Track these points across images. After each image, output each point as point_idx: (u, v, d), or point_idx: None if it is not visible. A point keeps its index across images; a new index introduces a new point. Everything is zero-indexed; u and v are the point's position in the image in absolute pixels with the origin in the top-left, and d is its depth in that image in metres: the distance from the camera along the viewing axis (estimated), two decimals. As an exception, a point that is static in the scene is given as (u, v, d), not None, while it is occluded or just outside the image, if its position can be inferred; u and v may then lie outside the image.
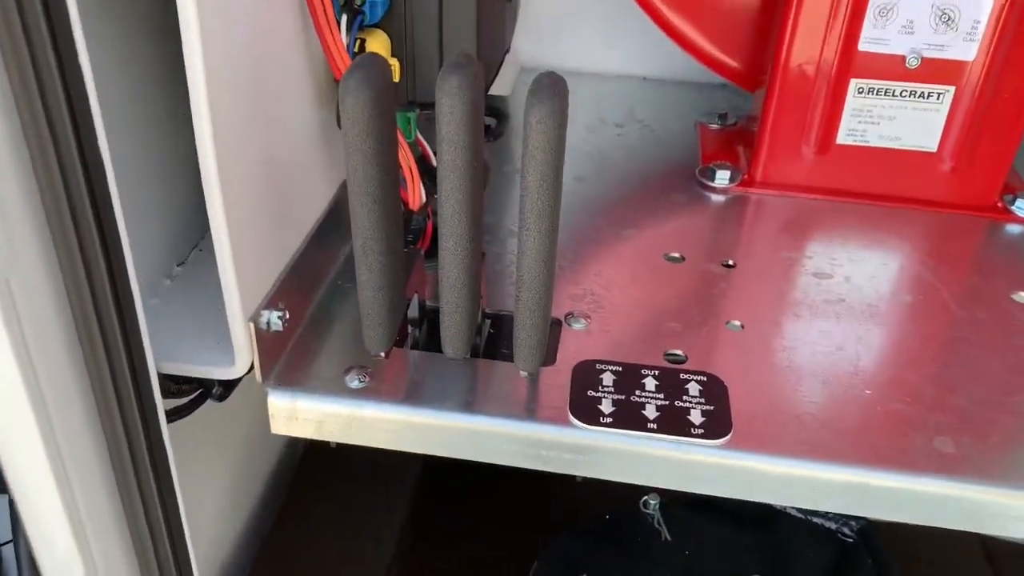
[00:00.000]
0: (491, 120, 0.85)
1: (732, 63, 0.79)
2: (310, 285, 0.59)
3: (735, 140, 0.81)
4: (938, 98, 0.69)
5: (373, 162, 0.42)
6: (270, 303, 0.52)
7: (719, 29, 0.77)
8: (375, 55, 0.43)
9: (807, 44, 0.68)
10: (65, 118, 0.38)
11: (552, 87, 0.40)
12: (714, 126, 0.85)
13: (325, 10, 0.53)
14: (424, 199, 0.61)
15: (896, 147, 0.71)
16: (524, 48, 0.96)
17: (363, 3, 0.55)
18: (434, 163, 0.62)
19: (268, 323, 0.52)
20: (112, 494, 0.48)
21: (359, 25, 0.55)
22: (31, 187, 0.38)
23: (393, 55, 0.59)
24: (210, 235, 0.59)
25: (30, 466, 0.43)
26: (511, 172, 0.77)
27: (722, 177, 0.75)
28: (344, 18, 0.54)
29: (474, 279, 0.49)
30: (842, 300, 0.62)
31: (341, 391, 0.52)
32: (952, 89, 0.68)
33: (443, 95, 0.41)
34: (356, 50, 0.56)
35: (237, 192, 0.47)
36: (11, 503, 0.58)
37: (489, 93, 0.71)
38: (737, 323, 0.59)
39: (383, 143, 0.43)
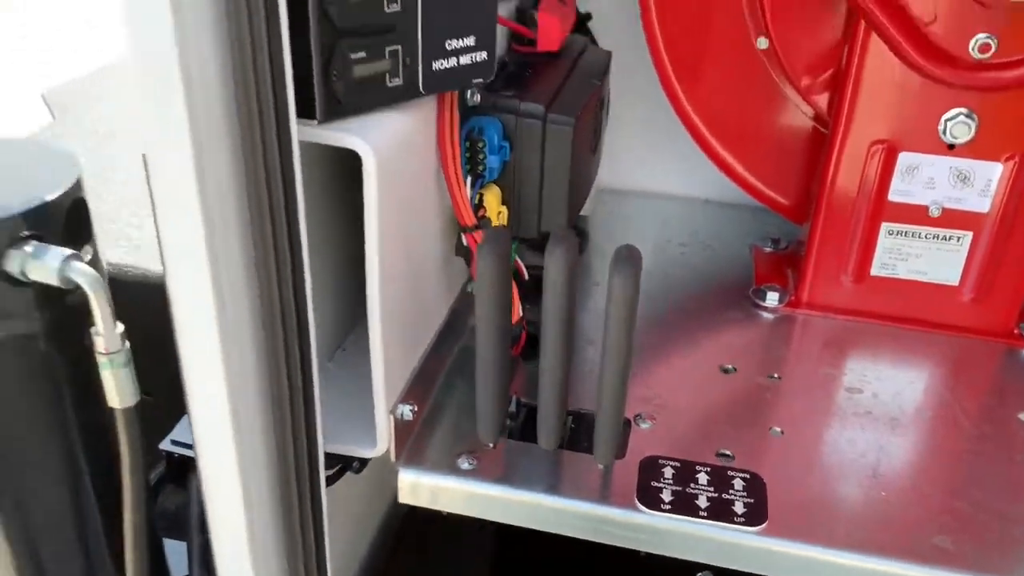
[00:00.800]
0: (574, 238, 0.99)
1: (781, 200, 0.92)
2: (431, 382, 0.74)
3: (785, 263, 0.94)
4: (958, 241, 0.81)
5: (496, 304, 0.57)
6: (404, 398, 0.67)
7: (769, 171, 0.91)
8: (500, 229, 0.58)
9: (845, 193, 0.82)
10: (286, 250, 0.53)
11: (629, 258, 0.55)
12: (767, 249, 0.98)
13: (456, 172, 0.68)
14: (521, 314, 0.76)
15: (922, 280, 0.83)
16: (602, 171, 1.11)
17: (484, 168, 0.71)
18: (526, 277, 0.77)
19: (402, 415, 0.66)
20: (280, 546, 0.62)
21: (480, 184, 0.71)
22: (257, 307, 0.54)
23: (503, 203, 0.74)
24: (350, 338, 0.75)
25: (229, 521, 0.58)
26: (589, 286, 0.92)
27: (772, 298, 0.88)
28: (469, 179, 0.70)
29: (564, 390, 0.63)
30: (869, 413, 0.73)
31: (454, 471, 0.66)
32: (970, 234, 0.81)
33: (550, 262, 0.56)
34: (476, 202, 0.72)
35: (389, 310, 0.62)
36: (188, 549, 0.73)
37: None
38: (778, 429, 0.71)
39: (503, 290, 0.58)
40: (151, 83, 0.45)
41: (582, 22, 0.96)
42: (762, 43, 0.85)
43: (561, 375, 0.60)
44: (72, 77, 1.34)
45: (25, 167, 0.57)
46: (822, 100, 0.85)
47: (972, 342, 0.83)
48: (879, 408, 0.74)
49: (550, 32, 0.78)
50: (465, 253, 0.74)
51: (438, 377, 0.76)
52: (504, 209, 0.74)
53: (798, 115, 0.88)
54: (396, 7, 0.55)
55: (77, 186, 0.56)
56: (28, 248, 0.52)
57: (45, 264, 0.51)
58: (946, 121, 0.76)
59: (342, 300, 0.74)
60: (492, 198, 0.73)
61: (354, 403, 0.69)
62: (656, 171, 1.10)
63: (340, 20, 0.53)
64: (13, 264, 0.52)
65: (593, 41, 0.96)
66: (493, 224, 0.73)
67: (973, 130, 0.76)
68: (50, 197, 0.53)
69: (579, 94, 0.77)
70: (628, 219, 1.06)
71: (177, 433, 0.75)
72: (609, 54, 0.89)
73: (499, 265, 0.56)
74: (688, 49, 0.88)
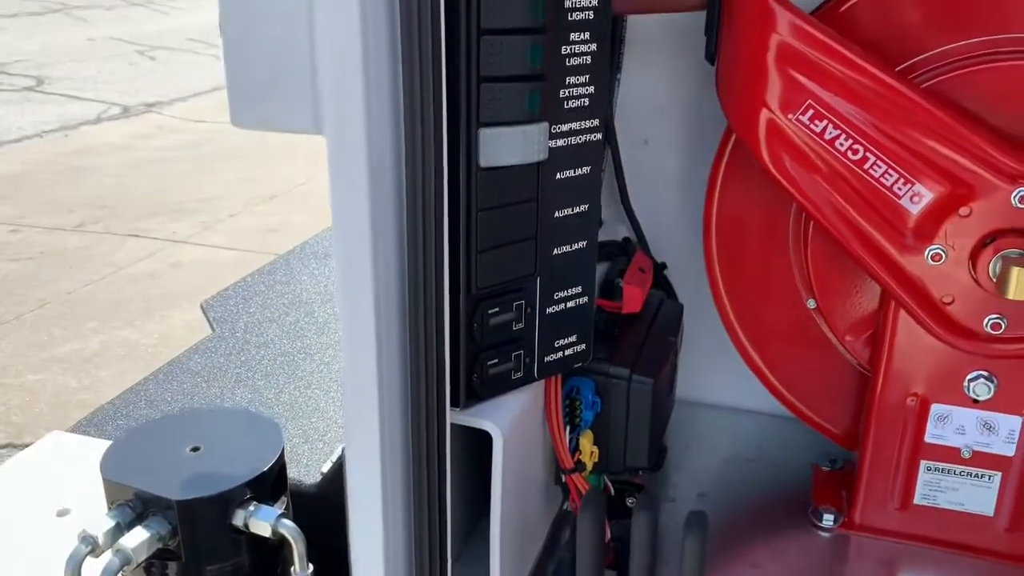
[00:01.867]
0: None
1: (831, 428, 1.06)
2: (533, 597, 0.89)
3: (841, 484, 1.07)
4: (989, 479, 0.94)
5: (594, 552, 0.73)
6: (513, 615, 0.82)
7: (819, 404, 1.06)
8: (597, 490, 0.75)
9: (887, 434, 0.96)
10: (435, 493, 0.70)
11: (698, 524, 0.70)
12: (825, 468, 1.11)
13: (558, 427, 0.86)
14: (608, 534, 0.91)
15: (961, 510, 0.96)
16: (679, 383, 1.27)
17: (580, 420, 0.88)
18: (612, 492, 0.93)
19: (512, 630, 0.81)
20: None
21: (577, 432, 0.88)
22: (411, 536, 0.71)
23: (594, 443, 0.91)
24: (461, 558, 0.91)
25: None
26: (664, 503, 1.06)
27: (828, 519, 1.00)
28: (568, 427, 0.87)
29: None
30: (912, 638, 0.85)
31: None
32: (999, 474, 0.93)
33: (637, 527, 0.72)
34: (573, 445, 0.89)
35: (506, 543, 0.79)
36: None
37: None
38: (831, 650, 0.83)
39: (599, 542, 0.73)
40: (356, 401, 0.64)
41: (659, 271, 1.15)
42: (811, 303, 1.01)
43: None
44: (226, 285, 1.59)
45: (242, 435, 0.77)
46: (865, 353, 1.00)
47: (1008, 568, 0.94)
48: (922, 633, 0.86)
49: (633, 300, 0.97)
50: (563, 486, 0.91)
51: (539, 590, 0.91)
52: (596, 450, 0.91)
53: (845, 360, 1.03)
54: (520, 326, 0.74)
55: (282, 454, 0.75)
56: (250, 508, 0.70)
57: (262, 521, 0.70)
58: (969, 381, 0.91)
59: (455, 520, 0.90)
60: (586, 442, 0.90)
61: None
62: (727, 386, 1.25)
63: (481, 338, 0.72)
64: (238, 519, 0.70)
65: (670, 290, 1.14)
66: (587, 464, 0.89)
67: (993, 390, 0.90)
68: (265, 468, 0.72)
69: (658, 352, 0.95)
70: (702, 432, 1.20)
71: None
72: (681, 307, 1.07)
73: (596, 523, 0.72)
74: (747, 301, 1.05)
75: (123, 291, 3.72)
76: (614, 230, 1.17)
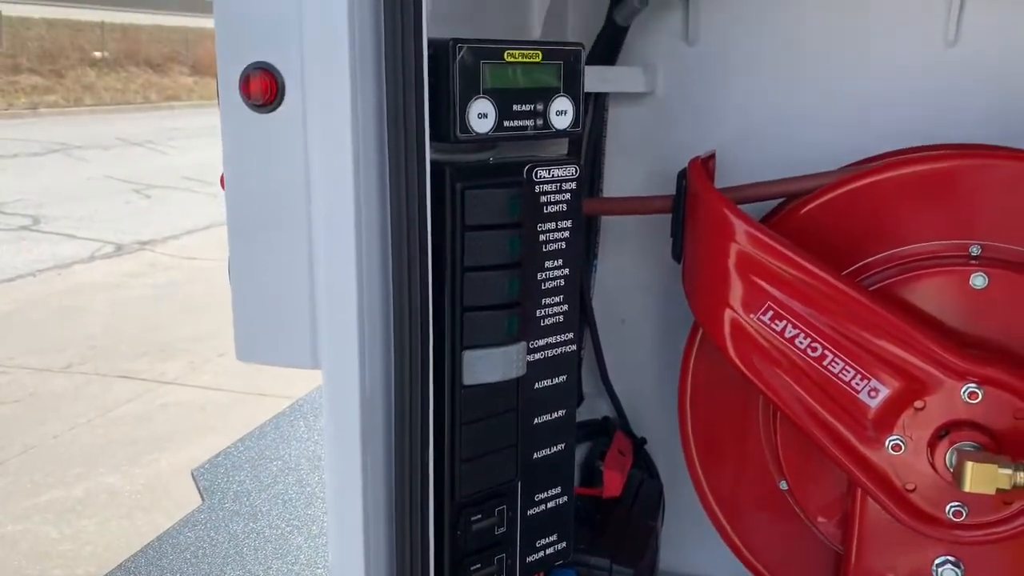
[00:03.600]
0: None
1: (813, 608, 1.09)
2: None
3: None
4: None
5: None
6: None
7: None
8: None
9: (862, 616, 0.98)
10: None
11: None
12: (807, 646, 1.12)
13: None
14: None
15: None
16: (663, 554, 1.29)
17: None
18: None
19: None
20: None
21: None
22: None
23: (577, 634, 0.93)
24: None
25: None
26: None
27: None
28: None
29: None
30: None
31: None
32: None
33: None
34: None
35: None
36: None
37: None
38: None
39: None
40: None
41: (639, 446, 1.19)
42: (783, 485, 1.05)
43: None
44: (218, 451, 1.62)
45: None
46: (838, 534, 1.04)
47: None
48: None
49: (613, 485, 1.01)
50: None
51: None
52: (578, 644, 0.93)
53: (819, 539, 1.06)
54: (503, 529, 0.78)
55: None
56: None
57: None
58: (937, 566, 0.94)
59: None
60: (569, 637, 0.92)
61: None
62: (709, 558, 1.27)
63: (465, 544, 0.76)
64: None
65: (650, 465, 1.18)
66: (571, 656, 0.91)
67: (961, 575, 0.93)
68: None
69: (638, 538, 0.98)
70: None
71: None
72: (661, 487, 1.11)
73: None
74: (722, 480, 1.09)
75: (110, 434, 3.71)
76: (595, 406, 1.22)
